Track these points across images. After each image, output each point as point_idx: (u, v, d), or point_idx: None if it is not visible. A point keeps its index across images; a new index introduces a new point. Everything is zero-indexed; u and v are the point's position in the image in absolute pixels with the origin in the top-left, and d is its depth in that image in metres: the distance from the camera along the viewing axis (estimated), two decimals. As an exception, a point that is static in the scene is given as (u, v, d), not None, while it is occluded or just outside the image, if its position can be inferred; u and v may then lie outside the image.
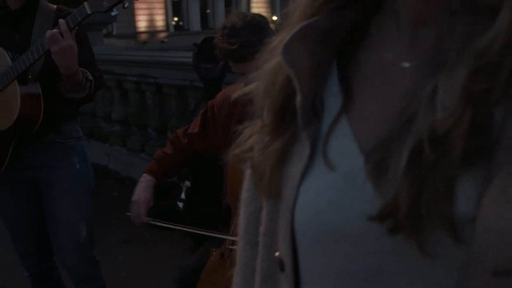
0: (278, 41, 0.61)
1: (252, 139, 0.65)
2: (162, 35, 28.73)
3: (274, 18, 36.82)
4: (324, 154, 0.55)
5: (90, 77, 1.93)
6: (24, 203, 2.16)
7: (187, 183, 3.44)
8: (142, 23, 27.71)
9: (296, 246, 0.58)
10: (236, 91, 2.10)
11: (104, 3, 1.74)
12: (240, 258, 0.73)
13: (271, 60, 0.62)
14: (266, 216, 0.66)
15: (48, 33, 1.76)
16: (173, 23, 31.03)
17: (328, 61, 0.59)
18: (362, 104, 0.57)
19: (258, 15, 1.87)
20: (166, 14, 29.58)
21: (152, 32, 28.15)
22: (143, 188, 2.09)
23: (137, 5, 27.09)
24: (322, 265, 0.56)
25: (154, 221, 2.03)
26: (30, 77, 1.91)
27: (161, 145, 4.87)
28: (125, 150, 5.30)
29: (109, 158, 5.41)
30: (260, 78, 0.64)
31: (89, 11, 1.76)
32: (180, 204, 3.50)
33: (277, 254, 0.63)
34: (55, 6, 2.05)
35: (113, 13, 1.78)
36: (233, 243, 1.78)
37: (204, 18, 32.78)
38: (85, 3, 1.77)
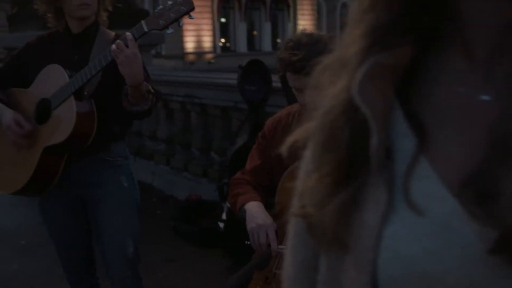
0: (331, 65, 0.62)
1: (307, 192, 0.62)
2: (209, 56, 29.23)
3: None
4: (408, 198, 0.52)
5: (152, 90, 1.98)
6: (71, 219, 2.23)
7: (228, 204, 3.46)
8: (190, 44, 28.27)
9: None
10: (288, 115, 2.08)
11: (160, 21, 1.81)
12: None
13: (327, 98, 0.60)
14: (325, 265, 0.63)
15: (113, 45, 1.84)
16: (220, 44, 31.54)
17: (390, 98, 0.55)
18: (440, 141, 0.53)
19: (325, 35, 1.86)
20: (214, 35, 30.10)
21: (199, 53, 28.68)
22: (262, 212, 1.85)
23: (186, 26, 27.72)
24: None
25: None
26: (85, 93, 1.99)
27: (204, 165, 4.96)
28: (169, 169, 5.39)
29: (153, 176, 5.51)
30: (317, 122, 0.62)
31: (146, 29, 1.84)
32: (221, 225, 3.53)
33: None
34: (113, 32, 2.15)
35: (168, 31, 1.84)
36: (278, 266, 1.77)
37: (250, 40, 33.17)
38: (142, 21, 1.85)
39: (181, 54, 27.03)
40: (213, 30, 30.44)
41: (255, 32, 33.42)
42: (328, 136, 0.58)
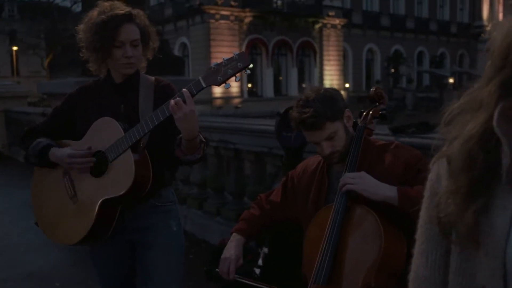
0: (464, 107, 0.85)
1: (444, 203, 0.83)
2: (236, 101, 29.66)
3: (347, 85, 37.19)
4: None
5: (203, 139, 2.04)
6: (119, 262, 2.27)
7: (265, 250, 3.45)
8: (217, 89, 28.73)
9: (507, 278, 0.75)
10: (315, 162, 2.20)
11: (218, 77, 1.88)
12: None
13: (465, 130, 0.82)
14: (458, 259, 0.83)
15: (172, 101, 1.88)
16: (247, 89, 32.01)
17: None
18: None
19: (331, 89, 2.00)
20: (241, 80, 30.67)
21: (227, 97, 29.12)
22: (233, 246, 2.20)
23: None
24: None
25: (242, 278, 2.08)
26: (141, 145, 2.04)
27: (237, 209, 4.98)
28: (201, 213, 5.42)
29: (185, 220, 5.54)
30: (457, 148, 0.83)
31: (204, 85, 1.90)
32: (257, 270, 3.51)
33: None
34: (153, 78, 2.22)
35: (226, 86, 1.91)
36: None
37: (277, 85, 33.63)
38: (200, 77, 1.91)
39: (209, 98, 27.50)
40: (241, 75, 30.86)
41: (281, 78, 33.89)
42: (465, 158, 0.80)
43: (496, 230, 0.76)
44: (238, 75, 1.91)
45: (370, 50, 40.82)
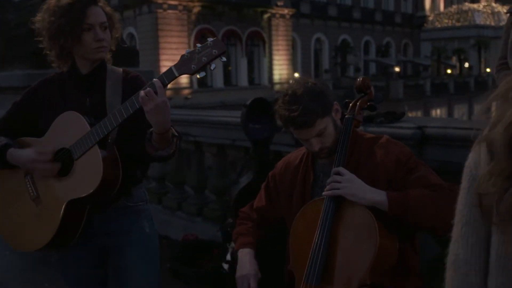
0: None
1: (485, 184, 0.86)
2: (186, 91, 29.28)
3: (296, 75, 37.41)
4: None
5: (176, 133, 1.92)
6: (90, 268, 2.12)
7: (233, 244, 3.37)
8: (167, 80, 28.33)
9: None
10: (297, 157, 2.12)
11: (192, 66, 1.75)
12: (461, 284, 0.92)
13: (508, 113, 0.87)
14: (499, 241, 0.86)
15: (142, 92, 1.76)
16: (197, 80, 31.66)
17: None
18: None
19: (319, 82, 1.89)
20: (190, 71, 30.26)
21: (176, 88, 28.68)
22: (247, 261, 2.00)
23: (162, 62, 27.80)
24: None
25: None
26: (109, 141, 1.90)
27: (199, 204, 4.88)
28: (161, 208, 5.28)
29: (144, 215, 5.39)
30: (501, 130, 0.86)
31: (176, 74, 1.77)
32: (226, 266, 3.43)
33: None
34: (121, 69, 2.08)
35: (200, 75, 1.78)
36: None
37: (226, 75, 33.42)
38: (173, 66, 1.78)
39: (158, 90, 26.94)
40: (218, 63, 30.29)
41: (230, 68, 33.71)
42: (508, 141, 0.84)
43: None
44: (213, 63, 1.79)
45: (318, 40, 41.20)
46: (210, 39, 1.78)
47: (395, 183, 1.76)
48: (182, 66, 1.76)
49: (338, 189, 1.74)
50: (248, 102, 3.24)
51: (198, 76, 1.79)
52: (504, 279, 0.86)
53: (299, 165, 2.00)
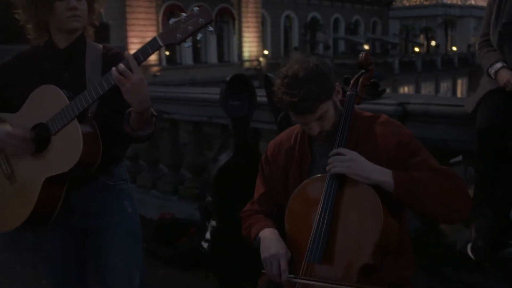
0: None
1: None
2: (155, 68, 28.83)
3: (265, 52, 37.24)
4: None
5: (155, 113, 1.85)
6: (68, 250, 2.05)
7: (213, 223, 3.34)
8: (135, 57, 27.81)
9: None
10: (290, 137, 2.03)
11: (177, 35, 1.67)
12: None
13: None
14: None
15: (114, 70, 1.68)
16: (166, 56, 31.18)
17: None
18: None
19: (321, 62, 1.75)
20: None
21: (144, 66, 28.23)
22: (273, 240, 1.78)
23: (130, 39, 27.24)
24: None
25: (298, 278, 1.67)
26: (89, 115, 1.82)
27: (174, 182, 4.80)
28: (135, 187, 5.18)
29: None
30: None
31: (161, 43, 1.69)
32: (205, 244, 3.39)
33: None
34: (101, 45, 2.00)
35: (186, 45, 1.70)
36: None
37: (196, 53, 33.02)
38: (157, 36, 1.70)
39: (126, 67, 26.44)
40: (204, 33, 29.74)
41: (199, 45, 33.31)
42: None
43: None
44: (200, 32, 1.71)
45: (288, 17, 41.00)
46: (196, 8, 1.70)
47: (395, 164, 1.70)
48: (167, 35, 1.68)
49: (342, 167, 1.68)
50: (227, 79, 3.17)
51: (185, 45, 1.71)
52: None
53: (294, 146, 1.92)
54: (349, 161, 1.68)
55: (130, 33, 27.50)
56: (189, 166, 4.62)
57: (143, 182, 5.11)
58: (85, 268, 2.11)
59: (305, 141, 1.90)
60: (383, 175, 1.66)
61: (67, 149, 1.77)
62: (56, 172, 1.79)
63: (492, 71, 2.54)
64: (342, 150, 1.72)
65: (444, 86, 43.05)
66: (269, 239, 1.79)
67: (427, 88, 40.45)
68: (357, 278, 1.62)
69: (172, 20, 1.68)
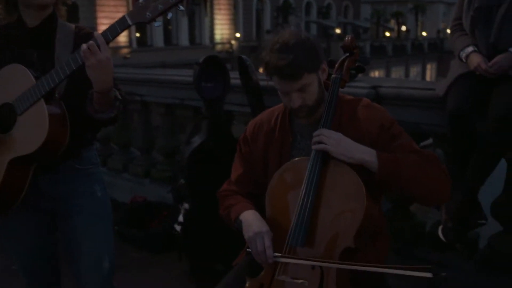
0: None
1: None
2: (125, 51, 28.36)
3: (238, 35, 37.01)
4: None
5: (119, 96, 1.80)
6: (37, 236, 2.01)
7: (186, 205, 3.33)
8: (104, 38, 27.28)
9: None
10: (270, 118, 2.02)
11: (147, 14, 1.63)
12: None
13: None
14: None
15: (84, 46, 1.64)
16: (136, 38, 30.69)
17: None
18: None
19: (313, 37, 1.77)
20: (129, 29, 29.28)
21: (114, 48, 27.70)
22: (257, 219, 1.78)
23: (99, 20, 26.70)
24: None
25: (284, 256, 1.67)
26: (56, 95, 1.77)
27: (145, 165, 4.76)
28: (106, 170, 5.11)
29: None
30: None
31: (130, 22, 1.65)
32: (178, 227, 3.38)
33: None
34: (73, 25, 1.94)
35: (156, 24, 1.67)
36: (281, 273, 1.68)
37: (167, 35, 32.59)
38: (126, 15, 1.66)
39: (96, 48, 25.93)
40: (175, 12, 29.09)
41: (170, 27, 32.87)
42: None
43: None
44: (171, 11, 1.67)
45: (260, 0, 40.75)
46: None
47: (377, 148, 1.70)
48: (137, 14, 1.64)
49: (328, 144, 1.67)
50: (201, 60, 3.13)
51: (155, 25, 1.68)
52: None
53: (274, 126, 1.90)
54: (335, 140, 1.68)
55: (99, 14, 26.93)
56: (161, 148, 4.58)
57: (114, 165, 5.04)
58: (55, 253, 2.08)
59: (286, 121, 1.89)
60: (368, 155, 1.66)
61: (33, 130, 1.72)
62: (21, 153, 1.74)
63: (463, 55, 2.57)
64: (326, 130, 1.72)
65: (414, 70, 43.62)
66: (251, 220, 1.79)
67: (397, 73, 40.91)
68: (338, 261, 1.62)
69: None
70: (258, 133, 1.94)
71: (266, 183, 1.86)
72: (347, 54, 1.92)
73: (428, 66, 45.18)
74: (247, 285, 1.75)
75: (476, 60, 2.50)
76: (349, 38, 1.95)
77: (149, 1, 1.64)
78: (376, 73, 38.81)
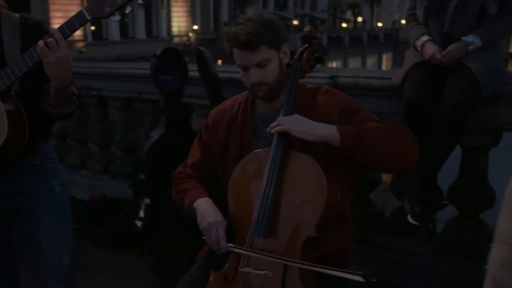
0: None
1: None
2: (80, 44, 27.74)
3: (195, 27, 36.72)
4: None
5: (76, 90, 1.77)
6: None
7: (146, 201, 3.28)
8: (58, 32, 26.56)
9: None
10: (233, 106, 2.02)
11: (106, 8, 1.59)
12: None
13: None
14: None
15: (40, 43, 1.59)
16: (91, 32, 30.04)
17: None
18: None
19: (276, 17, 1.81)
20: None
21: (68, 41, 27.05)
22: (211, 209, 1.79)
23: (52, 12, 25.99)
24: None
25: (237, 247, 1.68)
26: (12, 93, 1.71)
27: (104, 161, 4.67)
28: (63, 167, 4.99)
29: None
30: None
31: (88, 17, 1.61)
32: (139, 223, 3.34)
33: None
34: (18, 15, 1.88)
35: (115, 19, 1.63)
36: (244, 264, 1.68)
37: (123, 28, 32.05)
38: (83, 9, 1.62)
39: (49, 42, 25.24)
40: (133, 6, 28.49)
41: (126, 20, 32.32)
42: None
43: None
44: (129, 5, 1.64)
45: (217, -8, 40.54)
46: None
47: None
48: (95, 8, 1.61)
49: (287, 125, 1.66)
50: (158, 53, 3.09)
51: (114, 19, 1.64)
52: None
53: (236, 114, 1.91)
54: (293, 120, 1.68)
55: (52, 6, 26.23)
56: (120, 143, 4.50)
57: (72, 162, 4.93)
58: (12, 251, 2.01)
59: (248, 109, 1.89)
60: (328, 129, 1.64)
61: None
62: None
63: (418, 44, 2.62)
64: (284, 117, 1.73)
65: (371, 61, 44.32)
66: (205, 209, 1.80)
67: (354, 63, 41.48)
68: (300, 251, 1.63)
69: None
70: (220, 121, 1.94)
71: (223, 171, 1.88)
72: (307, 45, 1.93)
73: (384, 56, 46.00)
74: (211, 278, 1.75)
75: (431, 49, 2.55)
76: (309, 28, 1.97)
77: None
78: (333, 64, 39.23)
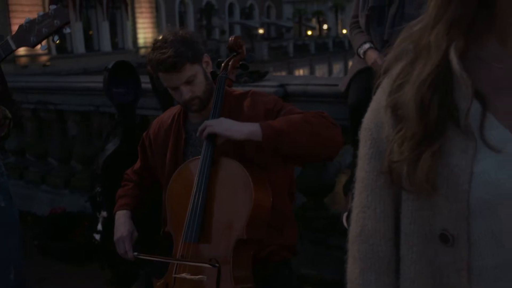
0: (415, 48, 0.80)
1: (396, 151, 0.78)
2: (44, 58, 27.32)
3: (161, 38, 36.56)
4: (487, 143, 0.74)
5: (9, 115, 1.79)
6: None
7: (104, 213, 3.29)
8: (21, 47, 26.11)
9: (470, 219, 0.75)
10: (170, 117, 2.09)
11: (31, 38, 1.63)
12: (371, 255, 0.86)
13: (415, 73, 0.78)
14: (411, 208, 0.80)
15: None
16: (56, 45, 29.63)
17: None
18: (499, 102, 0.75)
19: (190, 31, 1.89)
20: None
21: (32, 55, 26.65)
22: (122, 223, 1.99)
23: (14, 26, 25.55)
24: (497, 229, 0.74)
25: (143, 255, 1.84)
26: None
27: (64, 176, 4.64)
28: (23, 183, 4.95)
29: (5, 192, 5.02)
30: (410, 94, 0.78)
31: (14, 47, 1.64)
32: (97, 236, 3.34)
33: (441, 232, 0.77)
34: None
35: (42, 48, 1.67)
36: (178, 271, 1.73)
37: (88, 40, 31.70)
38: (9, 38, 1.64)
39: (12, 57, 24.79)
40: (61, 35, 28.24)
41: (91, 32, 31.99)
42: (419, 104, 0.76)
43: (457, 173, 0.74)
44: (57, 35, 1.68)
45: (182, 2, 40.51)
46: (52, 7, 1.66)
47: None
48: (21, 37, 1.64)
49: (212, 127, 1.71)
50: (109, 66, 3.11)
51: (55, 41, 1.68)
52: (420, 246, 0.81)
53: (171, 123, 1.98)
54: (217, 121, 1.73)
55: (13, 20, 25.77)
56: (79, 157, 4.49)
57: (32, 177, 4.89)
58: None
59: (181, 119, 1.97)
60: (252, 125, 1.68)
61: None
62: None
63: (361, 51, 2.72)
64: (210, 120, 1.79)
65: (337, 67, 44.80)
66: (119, 223, 2.00)
67: (321, 70, 41.86)
68: (232, 253, 1.68)
69: (26, 20, 1.64)
70: (158, 131, 2.03)
71: (163, 180, 1.97)
72: (234, 54, 2.01)
73: (350, 63, 46.44)
74: (154, 287, 1.80)
75: (373, 56, 2.65)
76: (233, 38, 2.05)
77: (33, 23, 1.64)
78: (301, 72, 39.56)
